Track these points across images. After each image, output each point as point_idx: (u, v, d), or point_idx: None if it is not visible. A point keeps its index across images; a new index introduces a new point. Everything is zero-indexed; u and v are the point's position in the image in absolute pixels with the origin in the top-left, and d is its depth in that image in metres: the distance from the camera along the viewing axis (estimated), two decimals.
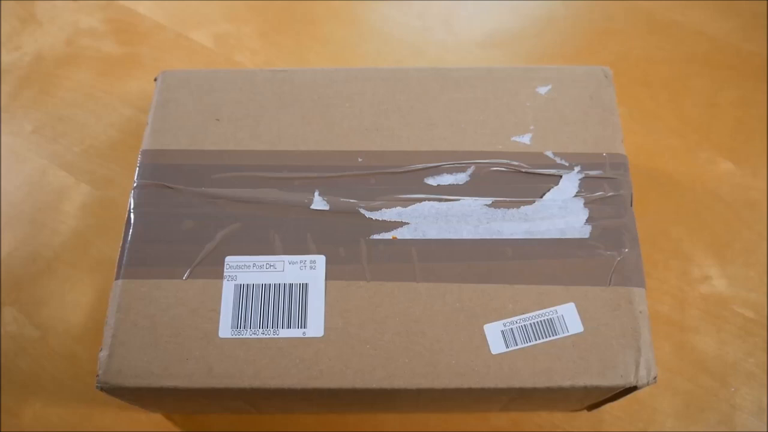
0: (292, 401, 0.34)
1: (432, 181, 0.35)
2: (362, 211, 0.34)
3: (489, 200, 0.34)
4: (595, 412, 0.39)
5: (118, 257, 0.33)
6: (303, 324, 0.31)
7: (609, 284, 0.32)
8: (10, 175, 0.49)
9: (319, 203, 0.34)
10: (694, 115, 0.51)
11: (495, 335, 0.31)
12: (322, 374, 0.30)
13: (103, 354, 0.30)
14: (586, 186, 0.34)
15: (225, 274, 0.32)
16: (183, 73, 0.38)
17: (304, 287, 0.32)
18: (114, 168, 0.49)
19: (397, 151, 0.36)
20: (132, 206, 0.34)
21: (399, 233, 0.33)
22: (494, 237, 0.33)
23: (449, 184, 0.35)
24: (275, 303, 0.32)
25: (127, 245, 0.33)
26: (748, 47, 0.54)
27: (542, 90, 0.37)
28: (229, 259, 0.33)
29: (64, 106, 0.52)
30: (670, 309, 0.43)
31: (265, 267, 0.33)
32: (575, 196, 0.34)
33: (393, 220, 0.34)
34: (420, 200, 0.34)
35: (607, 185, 0.34)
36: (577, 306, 0.31)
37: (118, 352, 0.30)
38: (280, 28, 0.56)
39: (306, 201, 0.34)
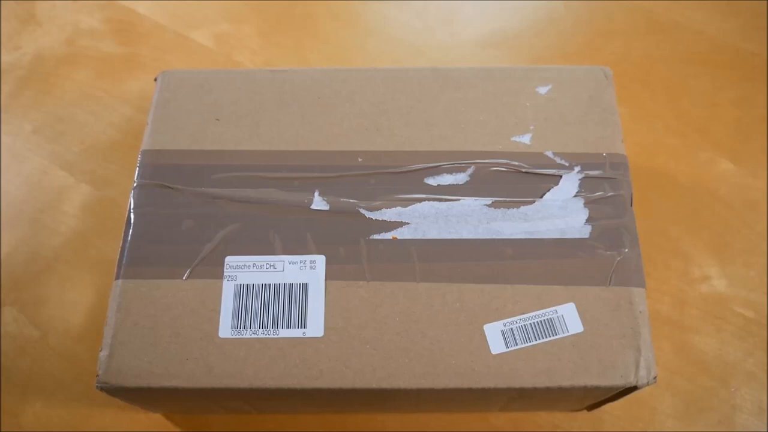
0: (292, 401, 0.34)
1: (432, 181, 0.35)
2: (362, 211, 0.34)
3: (489, 200, 0.34)
4: (595, 412, 0.39)
5: (118, 257, 0.33)
6: (303, 324, 0.31)
7: (609, 284, 0.32)
8: (10, 175, 0.49)
9: (319, 203, 0.34)
10: (694, 115, 0.51)
11: (495, 335, 0.31)
12: (322, 374, 0.30)
13: (103, 354, 0.30)
14: (586, 186, 0.34)
15: (225, 274, 0.32)
16: (183, 73, 0.38)
17: (304, 287, 0.32)
18: (114, 168, 0.49)
19: (397, 151, 0.36)
20: (132, 206, 0.34)
21: (399, 233, 0.33)
22: (494, 237, 0.33)
23: (449, 184, 0.34)
24: (275, 303, 0.32)
25: (127, 245, 0.33)
26: (748, 47, 0.54)
27: (542, 90, 0.37)
28: (229, 259, 0.33)
29: (64, 106, 0.52)
30: (670, 309, 0.43)
31: (265, 267, 0.32)
32: (575, 196, 0.34)
33: (393, 220, 0.34)
34: (420, 200, 0.34)
35: (607, 185, 0.34)
36: (577, 306, 0.31)
37: (118, 352, 0.30)
38: (280, 28, 0.56)
39: (306, 201, 0.34)
